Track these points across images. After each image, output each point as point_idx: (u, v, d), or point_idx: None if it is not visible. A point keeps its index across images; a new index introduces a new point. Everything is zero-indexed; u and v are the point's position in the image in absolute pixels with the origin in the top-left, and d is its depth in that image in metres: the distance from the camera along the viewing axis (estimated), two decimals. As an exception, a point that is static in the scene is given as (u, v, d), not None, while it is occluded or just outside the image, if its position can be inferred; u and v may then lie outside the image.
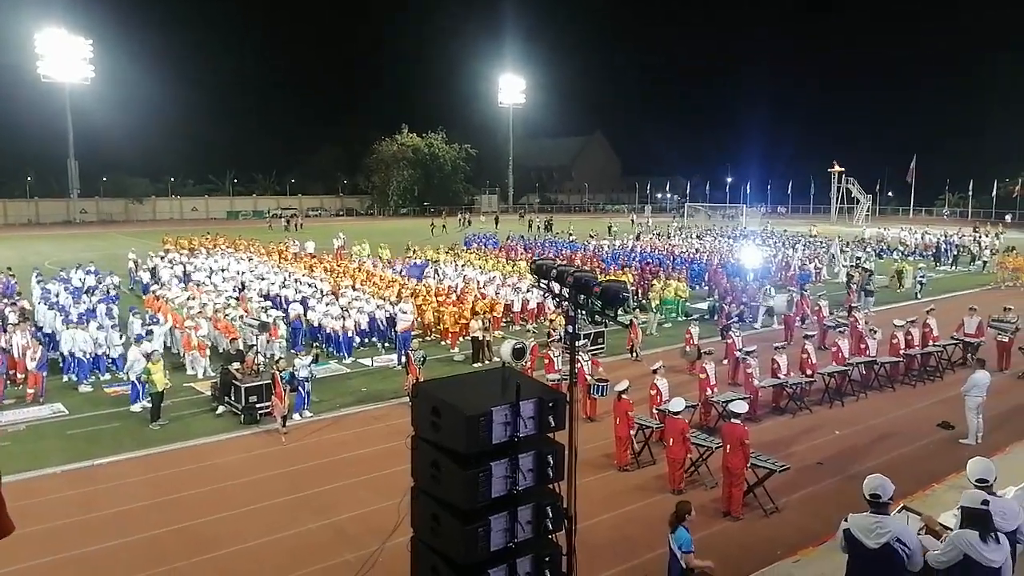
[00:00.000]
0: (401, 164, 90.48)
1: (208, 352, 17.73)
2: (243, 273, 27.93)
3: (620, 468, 11.69)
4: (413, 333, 19.43)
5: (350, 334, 19.27)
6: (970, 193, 74.89)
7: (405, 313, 19.56)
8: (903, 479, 10.29)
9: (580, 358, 14.39)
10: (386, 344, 20.10)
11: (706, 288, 28.95)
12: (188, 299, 21.01)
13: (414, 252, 35.92)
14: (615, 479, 11.38)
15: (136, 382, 14.67)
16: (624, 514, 10.15)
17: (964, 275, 35.72)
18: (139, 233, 58.77)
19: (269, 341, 17.86)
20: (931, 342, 17.24)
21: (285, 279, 25.84)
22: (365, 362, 18.60)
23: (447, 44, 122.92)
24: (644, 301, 23.43)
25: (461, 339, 20.05)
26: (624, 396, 11.68)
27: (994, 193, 72.10)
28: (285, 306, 21.61)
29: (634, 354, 18.84)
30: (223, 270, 28.76)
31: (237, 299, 21.81)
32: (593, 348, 18.23)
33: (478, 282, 25.59)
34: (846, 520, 5.46)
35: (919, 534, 5.73)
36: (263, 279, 25.90)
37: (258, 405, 13.96)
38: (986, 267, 36.86)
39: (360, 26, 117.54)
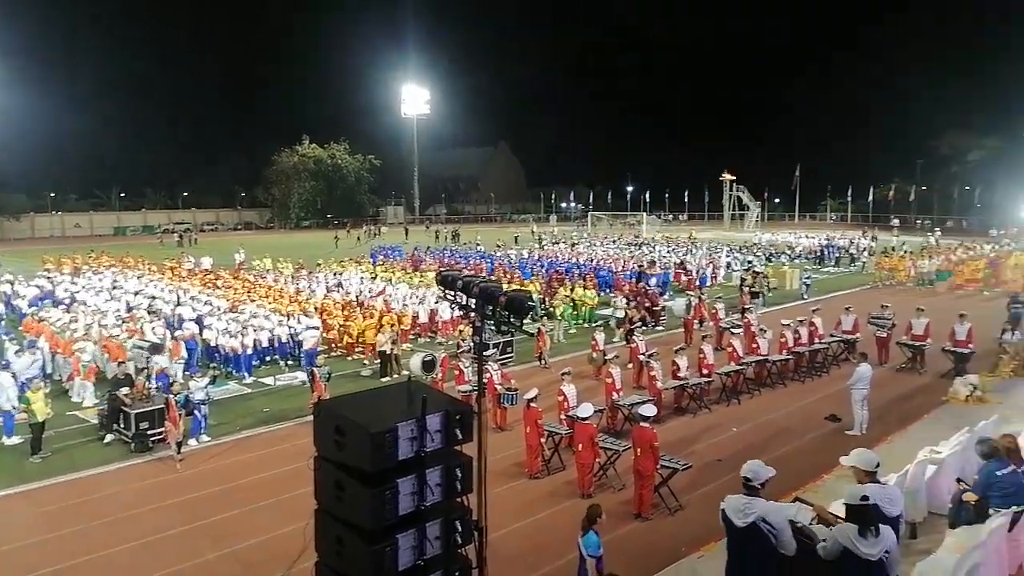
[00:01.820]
0: (302, 176, 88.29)
1: (94, 377, 16.64)
2: (132, 292, 26.41)
3: (531, 476, 11.76)
4: (318, 349, 18.94)
5: (249, 352, 18.55)
6: (849, 199, 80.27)
7: (311, 329, 19.04)
8: (796, 471, 10.91)
9: (489, 368, 14.42)
10: (289, 362, 19.48)
11: (611, 295, 29.66)
12: (70, 321, 19.69)
13: (336, 264, 35.06)
14: (526, 487, 11.44)
15: (12, 410, 13.58)
16: (536, 522, 10.21)
17: (845, 276, 38.15)
18: (16, 252, 54.53)
19: (172, 360, 16.97)
20: (817, 340, 18.29)
21: (179, 297, 24.64)
22: (267, 381, 17.96)
23: (348, 54, 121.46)
24: (551, 309, 23.75)
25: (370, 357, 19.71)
26: (533, 404, 11.78)
27: (871, 198, 77.55)
28: (178, 325, 20.56)
29: (543, 362, 19.04)
30: (109, 289, 27.12)
31: (125, 320, 20.61)
32: (502, 357, 18.34)
33: (386, 294, 25.26)
34: (723, 501, 5.70)
35: (812, 523, 6.03)
36: (154, 298, 24.59)
37: (150, 432, 13.21)
38: (864, 268, 39.53)
39: (257, 34, 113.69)
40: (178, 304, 23.44)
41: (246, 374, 18.21)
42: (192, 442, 13.47)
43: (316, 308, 22.61)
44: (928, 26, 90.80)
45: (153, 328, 19.50)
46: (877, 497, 5.66)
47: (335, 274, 32.00)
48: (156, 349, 17.25)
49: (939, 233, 53.30)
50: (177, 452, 12.71)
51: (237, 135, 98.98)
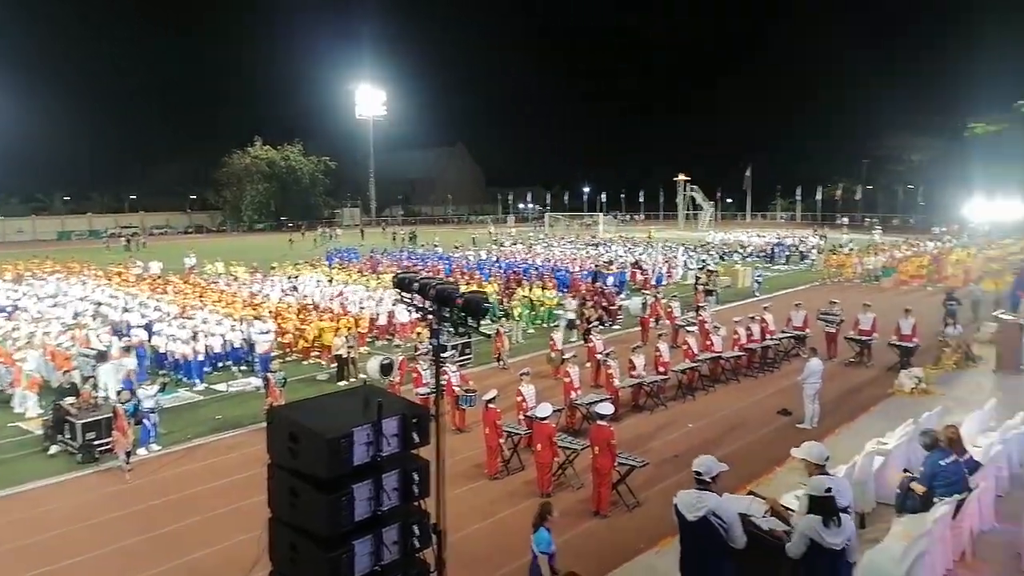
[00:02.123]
0: (255, 177, 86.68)
1: (38, 388, 16.07)
2: (77, 299, 25.60)
3: (491, 477, 11.77)
4: (273, 354, 18.63)
5: (201, 358, 18.15)
6: (798, 198, 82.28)
7: (265, 334, 18.71)
8: (750, 465, 11.14)
9: (447, 370, 14.37)
10: (243, 367, 19.11)
11: (569, 295, 29.79)
12: (12, 330, 19.00)
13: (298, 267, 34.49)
14: (486, 488, 11.44)
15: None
16: (496, 522, 10.21)
17: (795, 273, 39.09)
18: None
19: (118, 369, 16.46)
20: (768, 336, 18.70)
21: (127, 303, 23.97)
22: (220, 388, 17.58)
23: (302, 54, 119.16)
24: (509, 310, 23.80)
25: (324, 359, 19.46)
26: (492, 405, 11.79)
27: (819, 197, 79.62)
28: (127, 331, 20.00)
29: (501, 362, 19.06)
30: (53, 296, 26.24)
31: (70, 327, 19.96)
32: (461, 359, 18.28)
33: (343, 297, 25.00)
34: (676, 496, 5.79)
35: (764, 516, 6.16)
36: (101, 304, 23.87)
37: (97, 442, 12.83)
38: (814, 265, 40.57)
39: (207, 33, 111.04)
40: (126, 310, 22.78)
41: (197, 381, 17.80)
42: (142, 451, 13.12)
43: (270, 312, 22.24)
44: (873, 28, 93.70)
45: (99, 335, 18.93)
46: (812, 489, 5.79)
47: (290, 277, 31.53)
48: (102, 357, 16.75)
49: (880, 231, 55.11)
50: (126, 462, 12.35)
51: (186, 136, 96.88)
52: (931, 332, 18.70)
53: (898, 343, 17.49)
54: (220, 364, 19.15)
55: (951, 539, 7.43)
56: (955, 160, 62.82)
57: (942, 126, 69.96)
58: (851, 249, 42.04)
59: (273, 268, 34.71)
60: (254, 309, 22.75)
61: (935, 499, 7.37)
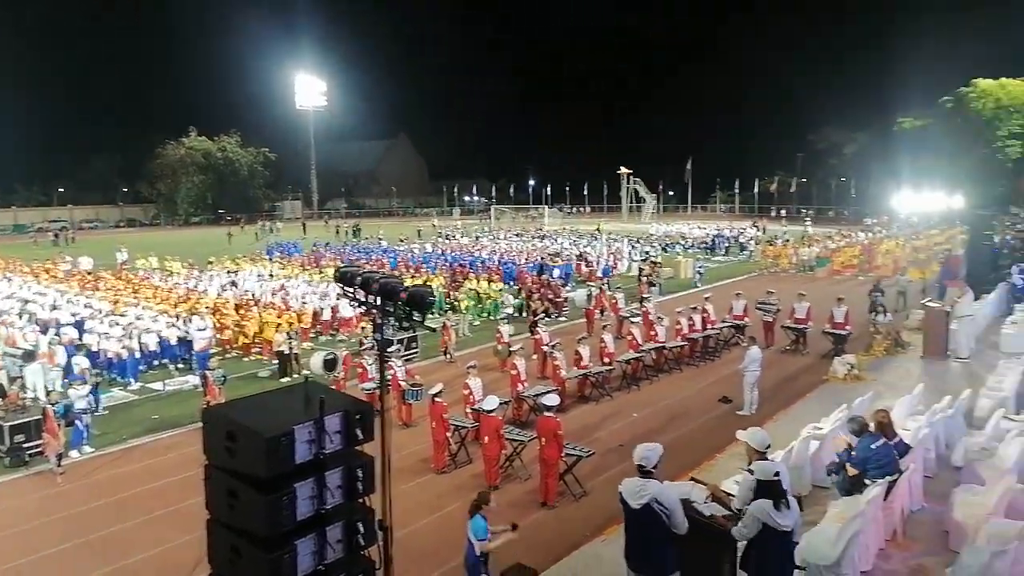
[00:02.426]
0: (190, 169, 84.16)
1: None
2: (2, 296, 24.41)
3: (438, 471, 11.72)
4: (212, 351, 18.13)
5: (136, 356, 17.53)
6: (736, 191, 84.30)
7: (201, 330, 18.19)
8: (693, 452, 11.38)
9: (393, 364, 14.24)
10: (180, 365, 18.55)
11: (516, 287, 29.87)
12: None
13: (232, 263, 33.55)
14: (433, 483, 11.38)
15: None
16: (443, 517, 10.17)
17: (735, 264, 40.07)
18: None
19: (47, 369, 15.78)
20: (709, 326, 19.12)
21: (55, 300, 22.97)
22: (155, 387, 17.03)
23: (238, 40, 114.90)
24: (455, 303, 23.72)
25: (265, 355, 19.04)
26: (438, 399, 11.73)
27: (756, 190, 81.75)
28: (56, 330, 19.16)
29: (448, 356, 18.99)
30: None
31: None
32: (406, 353, 18.14)
33: (284, 292, 24.49)
34: (620, 485, 5.87)
35: (706, 502, 6.30)
36: (28, 302, 22.80)
37: (26, 444, 12.28)
38: (752, 256, 41.66)
39: (137, 18, 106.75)
40: (54, 307, 21.83)
41: (132, 380, 17.19)
42: (74, 454, 12.62)
43: (208, 308, 21.63)
44: (810, 28, 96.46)
45: (25, 334, 18.10)
46: (761, 474, 5.95)
47: (229, 272, 30.73)
48: (29, 356, 16.03)
49: (810, 222, 57.09)
50: (57, 465, 11.87)
51: (118, 127, 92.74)
52: (863, 320, 19.42)
53: (831, 331, 18.09)
54: (156, 362, 18.56)
55: (883, 519, 7.73)
56: (884, 154, 65.28)
57: (873, 121, 72.64)
58: (786, 240, 43.34)
59: (211, 263, 33.75)
60: (191, 305, 22.10)
61: (867, 481, 7.66)
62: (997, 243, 26.60)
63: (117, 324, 18.68)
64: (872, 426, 8.11)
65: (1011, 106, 55.90)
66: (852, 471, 7.78)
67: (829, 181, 78.35)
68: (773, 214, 71.94)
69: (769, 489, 5.57)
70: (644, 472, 5.78)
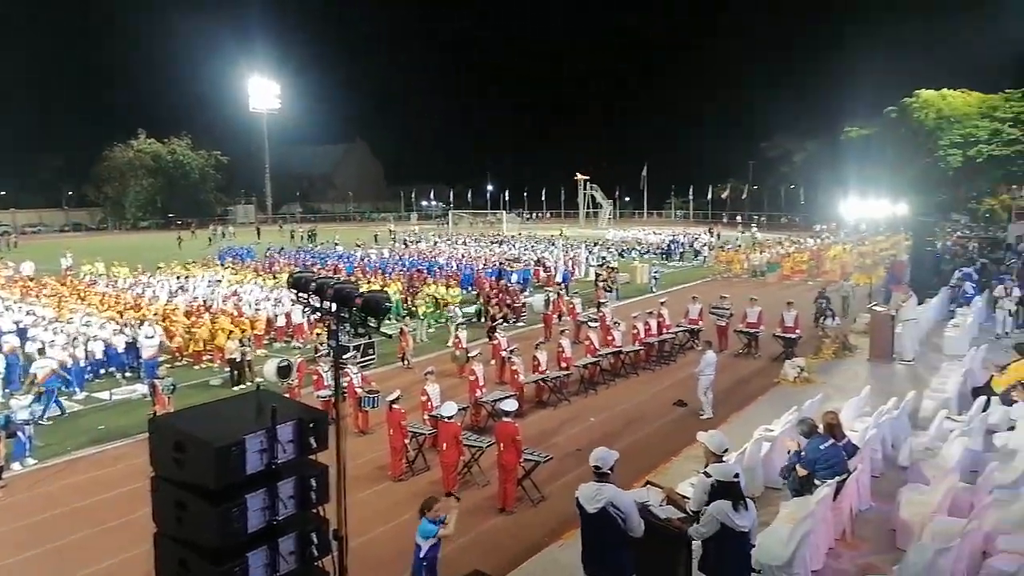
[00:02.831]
0: (139, 172, 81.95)
1: None
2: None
3: (395, 479, 11.60)
4: (160, 359, 17.67)
5: (82, 365, 16.97)
6: (691, 197, 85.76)
7: (149, 338, 17.70)
8: (649, 455, 11.48)
9: (349, 371, 14.07)
10: (127, 374, 18.02)
11: (474, 292, 29.80)
12: None
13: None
14: (390, 490, 11.26)
15: None
16: (400, 525, 10.04)
17: (689, 269, 40.69)
18: None
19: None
20: (665, 330, 19.37)
21: (-5, 307, 22.14)
22: (102, 396, 16.51)
23: (188, 41, 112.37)
24: (413, 308, 23.55)
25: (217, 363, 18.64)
26: (396, 406, 11.61)
27: (710, 197, 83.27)
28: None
29: (406, 362, 18.84)
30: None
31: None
32: (363, 360, 17.95)
33: (237, 298, 24.00)
34: (577, 490, 5.89)
35: (661, 505, 6.37)
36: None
37: (-38, 459, 11.74)
38: (706, 262, 42.37)
39: (82, 17, 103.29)
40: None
41: (77, 389, 16.64)
42: (16, 466, 12.16)
43: (157, 314, 21.08)
44: (763, 38, 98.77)
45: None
46: (721, 475, 6.06)
47: (178, 277, 30.01)
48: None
49: (755, 228, 58.57)
50: (-3, 479, 11.43)
51: (63, 128, 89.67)
52: (812, 325, 19.89)
53: (782, 335, 18.50)
54: (103, 371, 18.01)
55: (833, 519, 7.92)
56: (832, 162, 67.12)
57: (822, 130, 74.72)
58: (739, 246, 44.21)
59: (159, 268, 32.91)
60: (139, 312, 21.51)
61: (817, 481, 7.83)
62: (939, 249, 27.60)
63: (61, 331, 18.06)
64: (822, 427, 8.31)
65: (952, 116, 58.09)
66: (802, 472, 7.95)
67: (780, 188, 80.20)
68: (726, 220, 73.35)
69: (728, 490, 5.68)
70: (600, 475, 5.82)
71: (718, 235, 54.84)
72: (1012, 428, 10.01)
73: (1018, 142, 54.14)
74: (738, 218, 73.39)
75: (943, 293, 21.67)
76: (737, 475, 5.77)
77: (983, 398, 11.10)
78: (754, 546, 6.03)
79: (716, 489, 5.81)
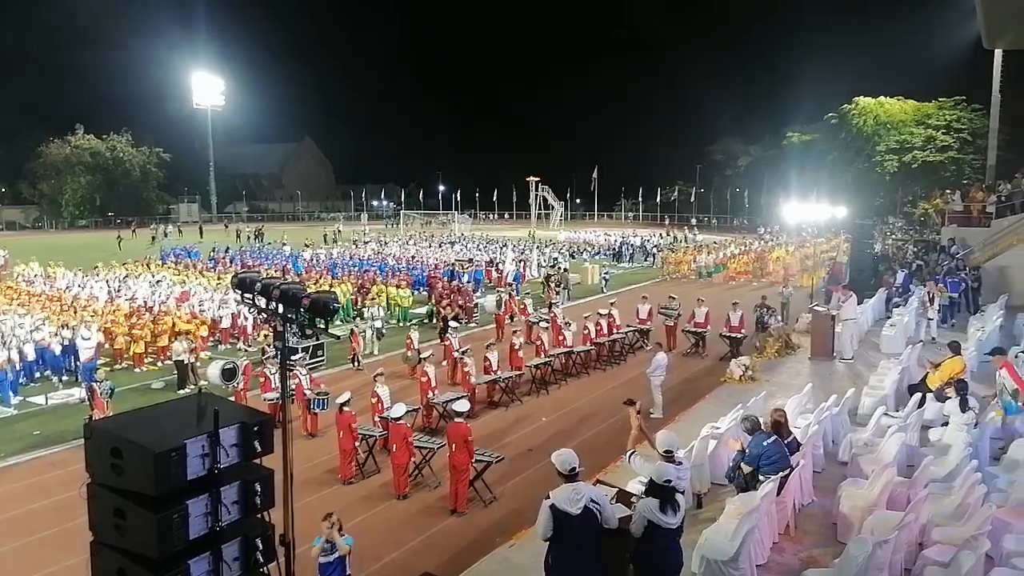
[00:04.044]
0: (76, 169, 79.00)
1: None
2: None
3: (345, 482, 11.43)
4: (100, 361, 17.05)
5: (18, 368, 16.28)
6: (640, 199, 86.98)
7: (87, 339, 17.07)
8: (600, 454, 11.55)
9: (298, 373, 13.82)
10: (64, 377, 17.34)
11: (426, 293, 29.58)
12: None
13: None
14: (339, 494, 11.09)
15: None
16: (350, 528, 9.81)
17: (639, 270, 41.23)
18: None
19: None
20: (615, 330, 19.58)
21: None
22: (37, 400, 15.85)
23: (128, 32, 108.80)
24: (363, 309, 23.26)
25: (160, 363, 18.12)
26: (346, 408, 11.45)
27: (658, 199, 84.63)
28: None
29: (356, 364, 18.60)
30: None
31: None
32: (311, 362, 17.66)
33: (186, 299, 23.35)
34: (548, 498, 5.82)
35: (612, 503, 6.43)
36: None
37: None
38: (655, 263, 42.97)
39: (18, 5, 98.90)
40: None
41: (10, 393, 15.94)
42: (-60, 477, 11.58)
43: (95, 314, 20.35)
44: (708, 43, 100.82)
45: None
46: (655, 476, 6.14)
47: (118, 278, 29.03)
48: None
49: (690, 229, 60.32)
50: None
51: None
52: (754, 331, 20.29)
53: (728, 334, 18.90)
54: (38, 374, 17.31)
55: (777, 514, 8.11)
56: (775, 166, 68.97)
57: (766, 134, 76.82)
58: (686, 248, 44.96)
59: (96, 268, 31.80)
60: (75, 313, 20.73)
61: (761, 477, 8.02)
62: (878, 251, 28.53)
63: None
64: (769, 424, 8.51)
65: (888, 123, 60.28)
66: (746, 469, 8.13)
67: (725, 191, 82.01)
68: (673, 222, 74.70)
69: (660, 491, 5.83)
70: (571, 477, 5.86)
71: (673, 237, 55.65)
72: (945, 424, 10.42)
73: (950, 148, 56.56)
74: (693, 220, 74.99)
75: (881, 294, 22.43)
76: (669, 480, 5.87)
77: (919, 395, 11.53)
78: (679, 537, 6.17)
79: (648, 488, 5.96)
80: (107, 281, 28.10)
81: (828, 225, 47.86)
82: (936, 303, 18.52)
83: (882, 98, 61.17)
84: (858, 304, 19.20)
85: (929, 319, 17.87)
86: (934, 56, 48.19)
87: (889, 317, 19.80)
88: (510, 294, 25.24)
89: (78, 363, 17.12)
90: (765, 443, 8.13)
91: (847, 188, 57.66)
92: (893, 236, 42.63)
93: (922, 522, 7.53)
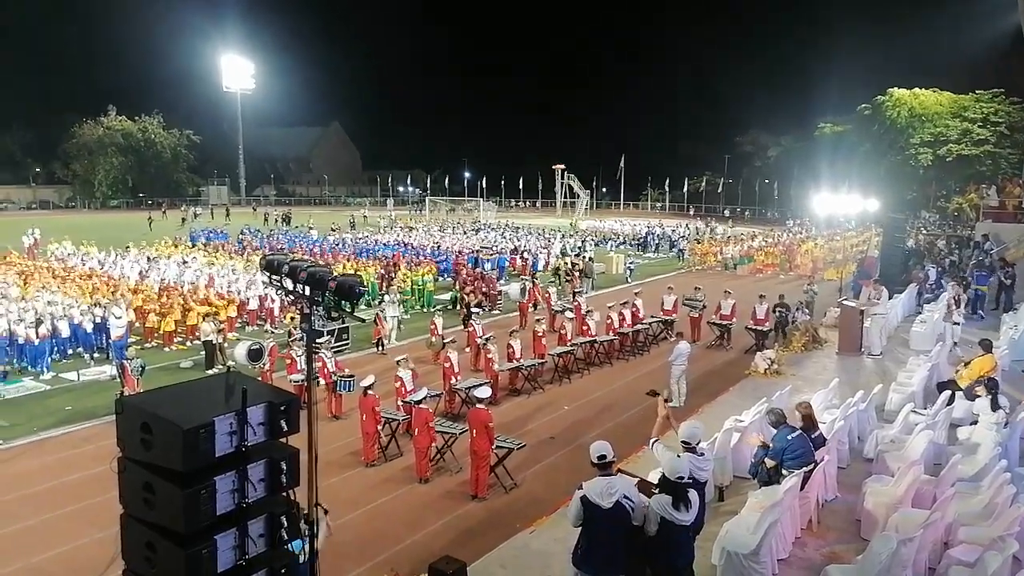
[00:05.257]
0: (109, 150, 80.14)
1: None
2: None
3: (367, 464, 11.56)
4: (131, 339, 17.38)
5: (49, 344, 16.64)
6: (667, 189, 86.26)
7: (118, 318, 17.40)
8: (621, 444, 11.46)
9: (323, 356, 13.97)
10: (95, 354, 17.70)
11: (451, 279, 29.64)
12: None
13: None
14: (362, 476, 11.22)
15: None
16: (372, 510, 10.05)
17: (665, 261, 40.91)
18: None
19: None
20: (639, 321, 19.48)
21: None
22: (69, 376, 16.20)
23: (159, 15, 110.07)
24: (384, 295, 23.41)
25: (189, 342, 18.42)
26: (370, 391, 11.55)
27: (685, 189, 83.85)
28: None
29: (380, 348, 18.74)
30: None
31: None
32: (337, 344, 17.83)
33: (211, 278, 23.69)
34: (580, 488, 5.86)
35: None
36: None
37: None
38: (682, 255, 42.56)
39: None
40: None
41: (44, 369, 16.33)
42: (-23, 448, 11.92)
43: (127, 290, 20.74)
44: (740, 33, 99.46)
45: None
46: (690, 465, 6.13)
47: (150, 258, 29.52)
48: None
49: (719, 223, 59.87)
50: (-44, 460, 11.19)
51: (30, 103, 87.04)
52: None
53: (753, 327, 18.72)
54: (70, 351, 17.69)
55: (799, 508, 8.05)
56: (806, 157, 67.87)
57: (796, 126, 75.48)
58: (711, 239, 44.50)
59: (127, 248, 32.37)
60: (107, 291, 21.13)
61: (784, 471, 7.94)
62: (910, 246, 27.98)
63: (30, 309, 17.71)
64: (798, 419, 8.43)
65: (923, 115, 58.96)
66: (770, 462, 8.06)
67: (754, 182, 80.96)
68: (708, 213, 74.02)
69: (672, 487, 5.80)
70: (602, 466, 5.86)
71: (696, 228, 55.05)
72: (975, 423, 10.24)
73: (987, 142, 55.15)
74: (726, 212, 74.37)
75: (911, 289, 22.04)
76: (682, 477, 5.84)
77: (948, 392, 11.33)
78: (696, 532, 6.13)
79: (661, 483, 5.95)
80: (137, 261, 28.58)
81: (860, 218, 47.11)
82: (962, 306, 18.05)
83: (917, 89, 59.82)
84: (888, 299, 18.91)
85: (955, 323, 17.31)
86: (972, 48, 47.03)
87: (919, 313, 19.45)
88: (533, 282, 25.23)
89: (109, 341, 17.45)
90: (789, 437, 8.04)
91: (879, 181, 56.57)
92: (925, 231, 41.80)
93: (948, 521, 7.42)
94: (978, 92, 56.84)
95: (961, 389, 11.52)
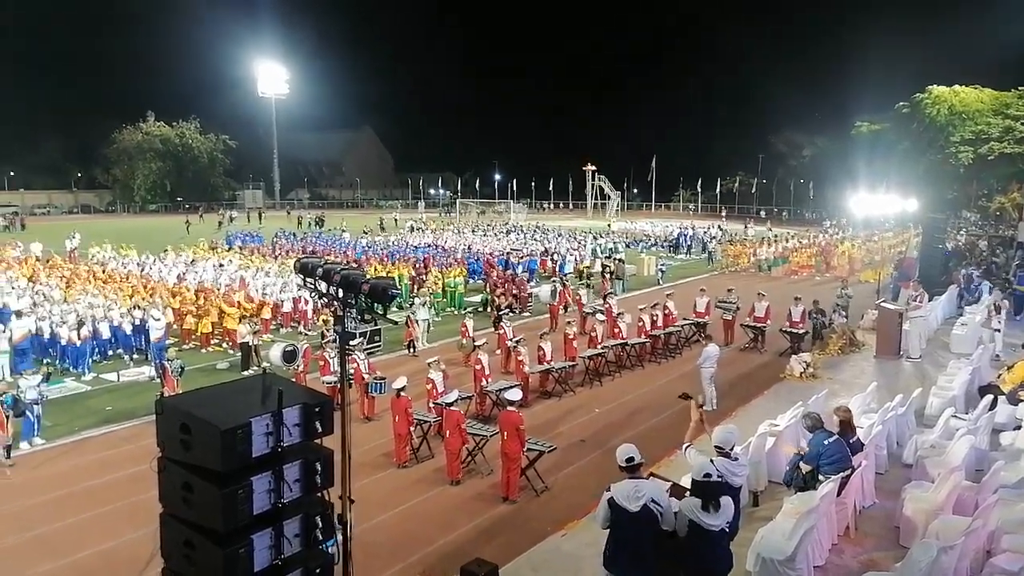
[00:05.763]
0: (148, 155, 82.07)
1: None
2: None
3: (399, 465, 11.64)
4: (169, 341, 17.74)
5: (90, 345, 17.07)
6: (699, 190, 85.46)
7: (157, 320, 17.77)
8: (653, 447, 11.45)
9: (356, 358, 14.10)
10: (135, 356, 18.11)
11: (481, 281, 29.73)
12: None
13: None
14: (394, 477, 11.30)
15: None
16: (403, 511, 10.11)
17: (697, 262, 40.50)
18: None
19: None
20: (671, 323, 19.31)
21: (8, 287, 22.24)
22: (110, 377, 16.59)
23: (196, 23, 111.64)
24: (415, 297, 23.56)
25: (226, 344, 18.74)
26: (403, 393, 11.63)
27: (718, 190, 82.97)
28: (5, 318, 18.53)
29: (412, 350, 18.86)
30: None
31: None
32: (369, 346, 17.97)
33: (246, 283, 24.08)
34: (608, 490, 5.84)
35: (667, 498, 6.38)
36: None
37: (-30, 437, 11.83)
38: (713, 256, 42.09)
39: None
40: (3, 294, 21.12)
41: (85, 370, 16.75)
42: (24, 445, 12.23)
43: (167, 295, 21.18)
44: (773, 33, 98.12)
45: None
46: (724, 469, 6.07)
47: (187, 261, 30.13)
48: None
49: (755, 223, 58.96)
50: (7, 457, 11.55)
51: (72, 109, 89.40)
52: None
53: (789, 330, 18.43)
54: (110, 352, 18.12)
55: (836, 515, 7.91)
56: (842, 156, 66.74)
57: (832, 125, 74.33)
58: (743, 240, 43.95)
59: (166, 251, 33.09)
60: (146, 293, 21.61)
61: (820, 477, 7.82)
62: (950, 247, 27.33)
63: (71, 312, 18.17)
64: (837, 423, 8.29)
65: (963, 113, 57.60)
66: (805, 467, 7.94)
67: (788, 182, 79.82)
68: (741, 213, 73.17)
69: (699, 488, 5.72)
70: (630, 468, 5.83)
71: (718, 227, 54.41)
72: (1018, 427, 9.98)
73: (1030, 140, 53.72)
74: (762, 213, 73.63)
75: (951, 291, 21.54)
76: (708, 475, 5.74)
77: (990, 397, 11.04)
78: (731, 538, 6.03)
79: (692, 486, 5.88)
80: (175, 264, 29.17)
81: (898, 218, 46.14)
82: (1002, 313, 17.55)
83: (957, 87, 58.48)
84: (928, 301, 18.51)
85: (995, 330, 16.80)
86: (1014, 44, 45.78)
87: (960, 315, 18.99)
88: (563, 284, 25.18)
89: (149, 342, 17.82)
90: (826, 442, 7.92)
91: (918, 180, 55.44)
92: (966, 231, 40.79)
93: (990, 529, 7.23)
94: (1021, 89, 55.34)
95: (1004, 393, 11.23)
